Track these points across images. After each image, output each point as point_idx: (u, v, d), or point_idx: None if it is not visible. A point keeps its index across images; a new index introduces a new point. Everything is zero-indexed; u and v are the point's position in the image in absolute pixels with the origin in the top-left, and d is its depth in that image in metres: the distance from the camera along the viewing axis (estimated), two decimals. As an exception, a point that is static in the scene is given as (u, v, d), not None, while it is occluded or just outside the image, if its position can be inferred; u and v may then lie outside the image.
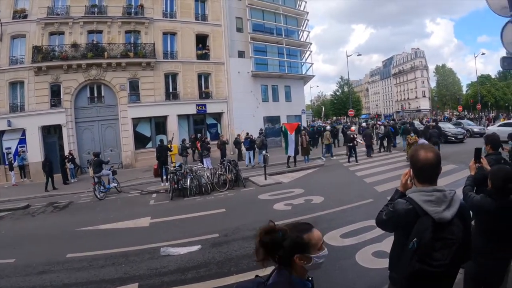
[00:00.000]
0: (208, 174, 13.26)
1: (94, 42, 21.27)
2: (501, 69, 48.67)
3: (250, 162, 18.47)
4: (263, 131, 20.53)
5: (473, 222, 2.80)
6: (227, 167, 13.41)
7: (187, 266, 5.84)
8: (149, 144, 22.29)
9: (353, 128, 21.12)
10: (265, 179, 13.65)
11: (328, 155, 19.16)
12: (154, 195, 13.12)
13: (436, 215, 1.84)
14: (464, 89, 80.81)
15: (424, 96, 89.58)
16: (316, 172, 15.71)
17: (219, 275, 5.33)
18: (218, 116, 25.64)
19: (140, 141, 22.41)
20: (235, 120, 25.36)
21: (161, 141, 16.57)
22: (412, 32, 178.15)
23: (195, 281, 5.25)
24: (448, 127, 23.12)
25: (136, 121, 22.33)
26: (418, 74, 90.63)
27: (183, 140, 19.34)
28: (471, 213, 2.52)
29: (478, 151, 3.52)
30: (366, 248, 5.72)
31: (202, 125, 25.08)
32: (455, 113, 58.55)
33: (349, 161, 17.00)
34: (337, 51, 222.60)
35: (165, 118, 23.02)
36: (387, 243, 4.00)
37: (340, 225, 7.18)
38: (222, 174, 13.27)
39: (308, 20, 32.37)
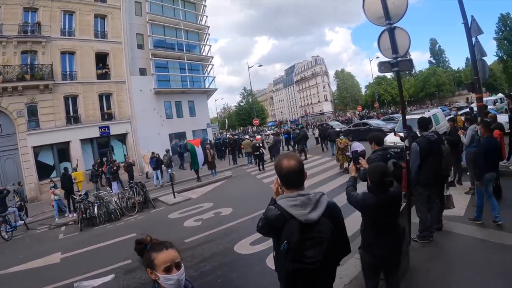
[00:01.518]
0: (115, 199, 14.85)
1: None
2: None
3: (158, 181, 21.44)
4: (169, 150, 23.99)
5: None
6: (134, 190, 15.13)
7: None
8: (54, 173, 24.26)
9: (258, 137, 25.89)
10: (174, 197, 15.76)
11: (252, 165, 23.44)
12: (63, 228, 14.28)
13: (302, 217, 2.34)
14: (363, 90, 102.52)
15: (326, 100, 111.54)
16: (224, 184, 18.66)
17: None
18: (123, 137, 28.95)
19: (44, 170, 24.32)
20: (141, 140, 29.02)
21: (65, 169, 18.73)
22: (313, 41, 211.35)
23: None
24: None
25: (38, 150, 24.25)
26: (319, 79, 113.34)
27: (93, 165, 22.38)
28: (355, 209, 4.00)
29: (355, 154, 5.01)
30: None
31: (107, 148, 28.15)
32: (356, 113, 72.74)
33: (259, 169, 20.90)
34: (241, 63, 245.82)
35: (67, 144, 25.43)
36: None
37: (249, 233, 8.42)
38: (130, 198, 14.89)
39: (209, 34, 37.90)
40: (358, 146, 12.53)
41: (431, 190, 6.27)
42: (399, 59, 6.17)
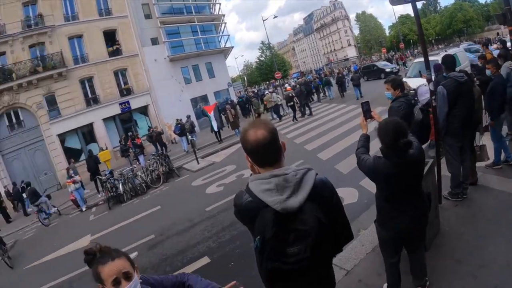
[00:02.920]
0: (140, 173, 14.86)
1: None
2: (419, 7, 60.47)
3: (185, 147, 20.99)
4: (190, 116, 23.25)
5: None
6: (157, 161, 15.09)
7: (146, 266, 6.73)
8: (82, 157, 24.71)
9: (289, 87, 24.76)
10: (198, 163, 15.50)
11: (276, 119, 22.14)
12: (94, 209, 14.63)
13: (277, 206, 1.73)
14: (387, 32, 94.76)
15: (349, 45, 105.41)
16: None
17: (179, 266, 6.28)
18: (144, 109, 28.94)
19: (72, 155, 24.11)
20: (162, 109, 28.87)
21: (90, 151, 19.05)
22: None
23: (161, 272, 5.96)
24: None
25: (63, 136, 24.92)
26: (340, 24, 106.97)
27: (120, 141, 22.54)
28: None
29: (365, 106, 3.67)
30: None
31: (130, 122, 28.31)
32: (382, 56, 67.77)
33: (293, 121, 19.66)
34: (258, 17, 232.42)
35: (91, 125, 25.88)
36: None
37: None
38: (153, 170, 14.87)
39: (218, -9, 35.77)
40: (425, 92, 7.47)
41: (463, 140, 5.24)
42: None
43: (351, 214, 5.35)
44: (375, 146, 3.31)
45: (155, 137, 21.53)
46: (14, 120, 24.06)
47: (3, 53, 23.70)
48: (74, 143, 25.80)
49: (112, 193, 13.72)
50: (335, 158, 9.93)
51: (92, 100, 26.57)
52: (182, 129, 21.04)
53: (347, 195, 6.68)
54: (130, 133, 24.84)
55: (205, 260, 6.20)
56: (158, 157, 15.28)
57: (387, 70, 30.47)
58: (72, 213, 15.43)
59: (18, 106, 23.93)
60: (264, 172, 1.87)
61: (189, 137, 19.35)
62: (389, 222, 3.19)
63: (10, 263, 10.29)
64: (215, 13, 35.82)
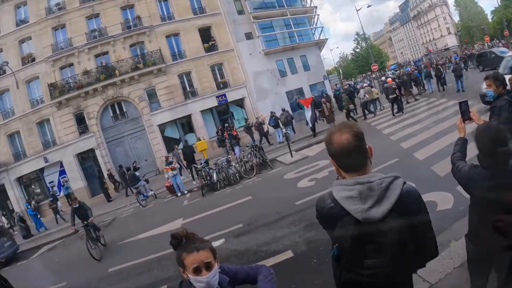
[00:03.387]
0: (234, 164, 14.91)
1: (103, 64, 24.95)
2: None
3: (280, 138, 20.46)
4: (285, 109, 22.34)
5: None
6: (251, 153, 14.94)
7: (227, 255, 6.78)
8: (180, 145, 24.47)
9: (389, 79, 22.56)
10: (291, 156, 15.07)
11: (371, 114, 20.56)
12: (188, 194, 15.02)
13: (359, 215, 1.66)
14: (490, 17, 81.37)
15: (449, 33, 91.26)
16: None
17: (261, 258, 6.16)
18: (240, 102, 28.61)
19: (170, 144, 25.11)
20: (258, 102, 28.30)
21: (186, 141, 19.95)
22: None
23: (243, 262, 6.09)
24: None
25: (163, 127, 25.76)
26: (438, 11, 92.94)
27: (217, 132, 22.41)
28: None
29: (463, 106, 3.21)
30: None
31: (227, 114, 28.17)
32: (485, 44, 59.26)
33: (393, 115, 18.22)
34: (352, 7, 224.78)
35: (189, 116, 26.32)
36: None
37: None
38: (247, 161, 14.78)
39: (308, -16, 34.97)
40: None
41: None
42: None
43: (444, 221, 5.06)
44: (472, 152, 2.87)
45: (257, 127, 21.39)
46: (118, 112, 25.53)
47: (106, 53, 25.50)
48: (173, 132, 26.38)
49: (206, 181, 14.03)
50: (432, 158, 8.87)
51: (190, 93, 26.99)
52: (276, 122, 20.25)
53: (442, 200, 6.01)
54: (226, 124, 24.51)
55: (288, 254, 5.99)
56: (252, 149, 15.14)
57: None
58: (167, 197, 16.04)
59: (121, 99, 25.34)
60: (348, 178, 1.79)
61: (283, 130, 18.26)
62: (479, 238, 2.66)
63: (103, 242, 10.87)
64: (307, 6, 34.78)
